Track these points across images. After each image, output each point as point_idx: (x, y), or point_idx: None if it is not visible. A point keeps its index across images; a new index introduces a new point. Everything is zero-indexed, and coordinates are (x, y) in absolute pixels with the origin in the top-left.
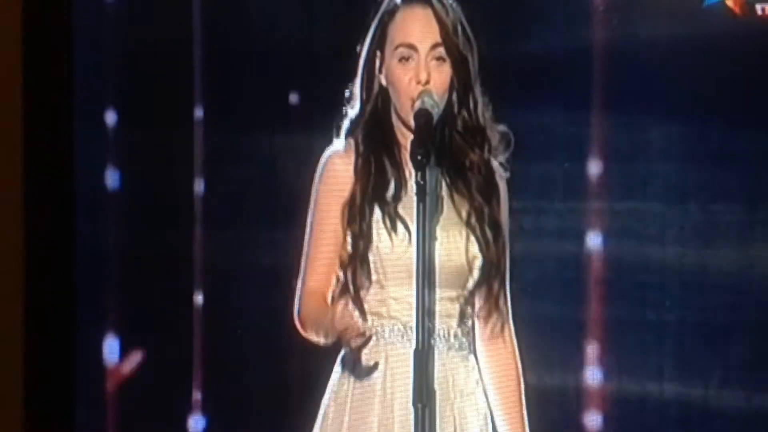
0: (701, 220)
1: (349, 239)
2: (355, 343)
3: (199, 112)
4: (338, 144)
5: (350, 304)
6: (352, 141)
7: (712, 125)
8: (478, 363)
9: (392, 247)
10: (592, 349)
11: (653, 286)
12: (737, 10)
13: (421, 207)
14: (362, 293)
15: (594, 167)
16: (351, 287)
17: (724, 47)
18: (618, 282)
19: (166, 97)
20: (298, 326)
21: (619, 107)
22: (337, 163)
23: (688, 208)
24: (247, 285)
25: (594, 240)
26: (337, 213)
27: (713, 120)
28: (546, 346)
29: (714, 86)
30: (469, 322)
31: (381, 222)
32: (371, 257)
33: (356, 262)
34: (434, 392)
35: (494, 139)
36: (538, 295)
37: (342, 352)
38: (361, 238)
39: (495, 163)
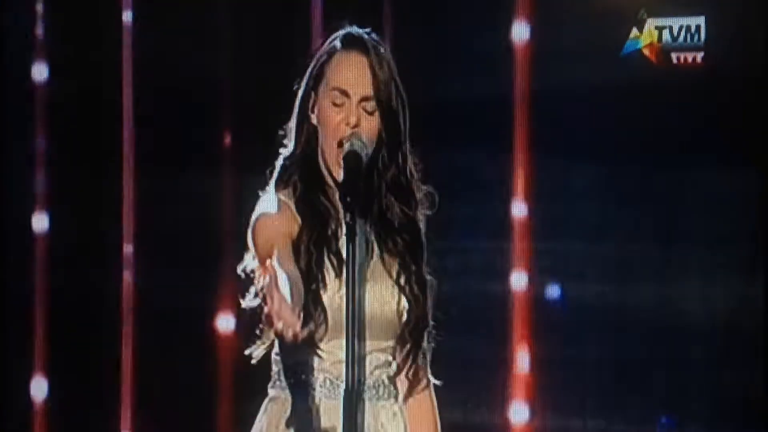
0: (619, 260)
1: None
2: (288, 337)
3: (129, 153)
4: (266, 203)
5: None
6: (282, 194)
7: (630, 168)
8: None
9: (339, 287)
10: (517, 386)
11: (575, 324)
12: (654, 58)
13: (350, 247)
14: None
15: (518, 209)
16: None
17: (642, 93)
18: (541, 320)
19: (96, 138)
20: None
21: (541, 151)
22: (264, 226)
23: (607, 248)
24: (176, 325)
25: (518, 279)
26: (284, 256)
27: (631, 163)
28: (472, 383)
29: (632, 131)
30: (395, 369)
31: (327, 260)
32: (324, 299)
33: (308, 302)
34: None
35: (419, 196)
36: (464, 334)
37: (267, 398)
38: (312, 278)
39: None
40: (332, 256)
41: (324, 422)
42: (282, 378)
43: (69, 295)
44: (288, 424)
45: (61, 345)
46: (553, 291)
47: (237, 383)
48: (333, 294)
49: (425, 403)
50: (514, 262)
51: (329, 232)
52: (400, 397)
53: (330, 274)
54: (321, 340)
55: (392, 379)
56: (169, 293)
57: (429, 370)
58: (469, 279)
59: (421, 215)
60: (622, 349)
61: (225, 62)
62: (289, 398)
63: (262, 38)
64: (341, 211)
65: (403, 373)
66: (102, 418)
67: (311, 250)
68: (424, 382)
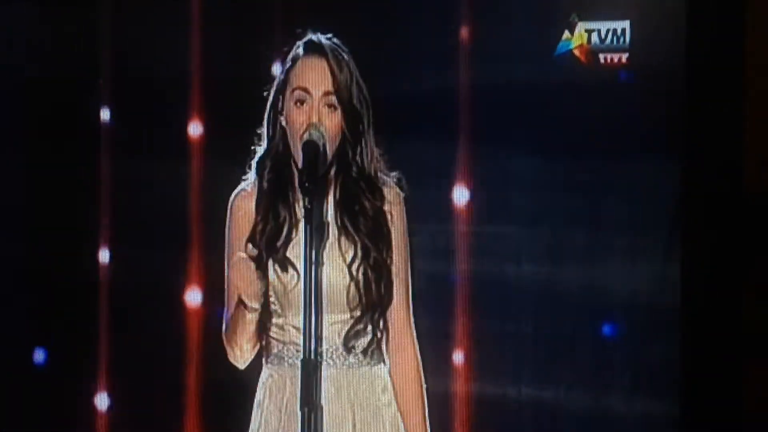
0: (551, 242)
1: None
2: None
3: (105, 140)
4: (245, 182)
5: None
6: (257, 179)
7: (561, 159)
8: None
9: (284, 286)
10: (458, 358)
11: (511, 301)
12: (583, 58)
13: (308, 230)
14: (264, 318)
15: (460, 194)
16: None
17: (573, 90)
18: (481, 297)
19: (73, 123)
20: (226, 345)
21: (482, 142)
22: (241, 203)
23: (541, 231)
24: (150, 304)
25: (459, 260)
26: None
27: (563, 154)
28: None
29: (563, 124)
30: (368, 338)
31: (272, 265)
32: (270, 292)
33: None
34: (320, 403)
35: (386, 185)
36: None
37: (261, 376)
38: (258, 270)
39: (390, 195)
40: (279, 256)
41: (296, 388)
42: (264, 354)
43: (46, 271)
44: (272, 392)
45: (38, 320)
46: (490, 270)
47: (205, 353)
48: (284, 286)
49: (404, 364)
50: (456, 243)
51: (282, 233)
52: (381, 364)
53: (278, 271)
54: (283, 316)
55: (363, 346)
56: (142, 270)
57: (408, 328)
58: (417, 259)
59: (394, 205)
60: (553, 324)
61: (197, 55)
62: (268, 371)
63: (231, 33)
64: (298, 212)
65: (368, 340)
66: (77, 392)
67: (261, 252)
68: (384, 341)
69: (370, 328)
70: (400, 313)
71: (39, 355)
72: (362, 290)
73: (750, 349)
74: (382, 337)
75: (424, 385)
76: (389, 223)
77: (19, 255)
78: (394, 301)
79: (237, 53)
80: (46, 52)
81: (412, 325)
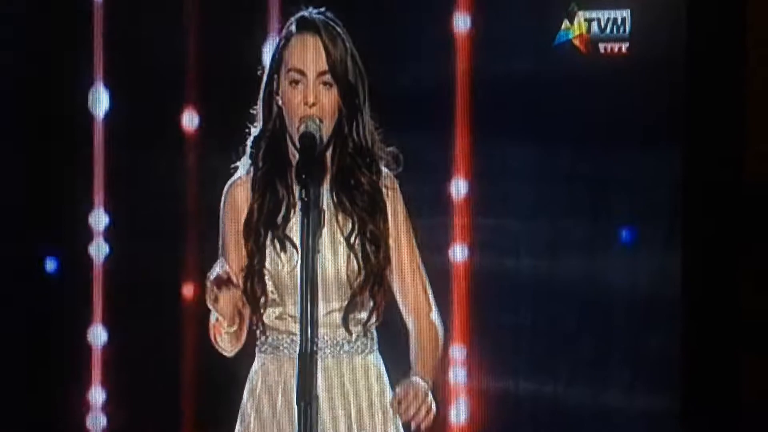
0: (551, 235)
1: (246, 256)
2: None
3: (100, 132)
4: (240, 168)
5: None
6: (252, 162)
7: (561, 150)
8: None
9: (282, 265)
10: (457, 351)
11: (510, 295)
12: (583, 48)
13: (305, 222)
14: (260, 306)
15: (458, 186)
16: (249, 299)
17: (572, 80)
18: (480, 290)
19: (68, 113)
20: (212, 338)
21: (480, 133)
22: (235, 194)
23: (540, 223)
24: (148, 298)
25: (458, 252)
26: (240, 237)
27: (562, 145)
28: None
29: (563, 115)
30: (363, 326)
31: (271, 242)
32: (266, 275)
33: (253, 277)
34: (316, 396)
35: (383, 160)
36: None
37: (254, 364)
38: (256, 255)
39: (386, 180)
40: (276, 239)
41: (291, 378)
42: (258, 342)
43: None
44: (264, 382)
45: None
46: (489, 263)
47: (202, 348)
48: (285, 265)
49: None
50: (454, 236)
51: (280, 214)
52: (375, 352)
53: (277, 248)
54: (282, 305)
55: (359, 335)
56: (140, 263)
57: (427, 302)
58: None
59: (393, 172)
60: (553, 316)
61: (192, 42)
62: (262, 359)
63: (227, 21)
64: (296, 193)
65: (367, 314)
66: (73, 387)
67: (259, 229)
68: (413, 309)
69: (370, 301)
70: (410, 277)
71: (38, 353)
72: (361, 261)
73: (747, 339)
74: (380, 311)
75: (441, 340)
76: (385, 197)
77: (16, 254)
78: (401, 266)
79: (233, 42)
80: (42, 46)
81: (427, 287)
